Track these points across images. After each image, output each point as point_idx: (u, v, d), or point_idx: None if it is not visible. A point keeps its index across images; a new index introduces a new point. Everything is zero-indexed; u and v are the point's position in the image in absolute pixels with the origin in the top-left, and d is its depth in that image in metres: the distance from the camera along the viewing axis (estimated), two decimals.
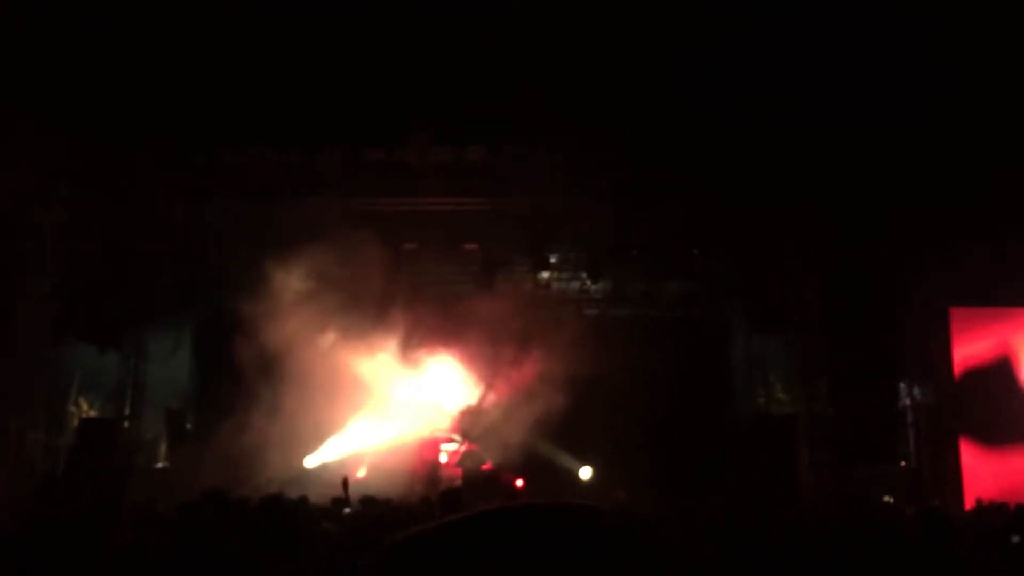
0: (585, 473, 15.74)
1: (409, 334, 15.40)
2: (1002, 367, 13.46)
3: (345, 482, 9.89)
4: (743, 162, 12.87)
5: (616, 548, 1.40)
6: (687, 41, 11.10)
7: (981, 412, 13.41)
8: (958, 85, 11.39)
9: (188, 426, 16.51)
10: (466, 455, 15.61)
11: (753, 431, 16.08)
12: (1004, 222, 12.31)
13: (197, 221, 14.40)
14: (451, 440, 15.96)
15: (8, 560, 5.08)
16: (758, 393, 16.66)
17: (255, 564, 4.54)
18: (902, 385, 14.29)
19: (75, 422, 14.67)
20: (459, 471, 15.23)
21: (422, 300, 15.70)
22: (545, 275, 16.37)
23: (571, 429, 15.31)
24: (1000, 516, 8.42)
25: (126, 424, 15.11)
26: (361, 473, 14.36)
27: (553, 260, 15.84)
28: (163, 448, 16.10)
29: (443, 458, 15.75)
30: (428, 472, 15.27)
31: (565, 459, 15.76)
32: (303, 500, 8.31)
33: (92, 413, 15.20)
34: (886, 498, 12.79)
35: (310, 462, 15.06)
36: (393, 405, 15.93)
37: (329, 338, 14.60)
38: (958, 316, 13.62)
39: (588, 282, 16.38)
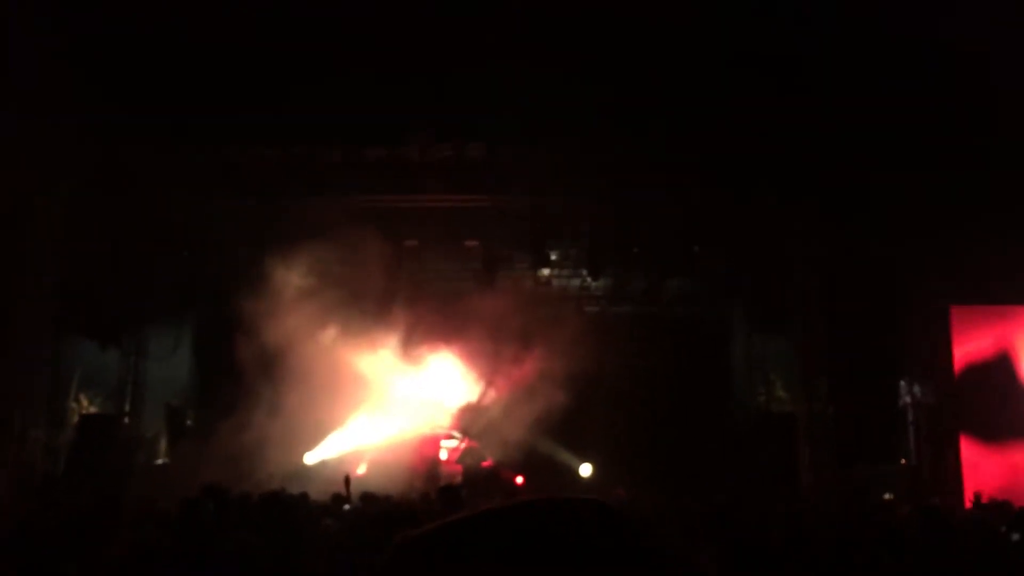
0: (585, 470, 15.73)
1: (409, 331, 15.39)
2: (1002, 364, 13.46)
3: (347, 479, 9.91)
4: (743, 161, 12.87)
5: (626, 545, 1.37)
6: (687, 40, 11.10)
7: (981, 409, 13.41)
8: (958, 84, 11.38)
9: (188, 423, 16.52)
10: (466, 452, 15.62)
11: (753, 430, 16.07)
12: (1004, 220, 12.31)
13: (197, 219, 14.40)
14: (451, 437, 15.96)
15: (9, 558, 5.08)
16: (758, 391, 16.64)
17: (255, 561, 4.55)
18: (902, 384, 14.27)
19: (75, 419, 14.69)
20: (459, 468, 15.23)
21: (423, 297, 15.69)
22: (546, 272, 16.37)
23: (571, 426, 15.30)
24: (1002, 514, 8.41)
25: (126, 421, 15.13)
26: (361, 470, 14.37)
27: (554, 257, 15.85)
28: (163, 445, 16.11)
29: (443, 455, 15.75)
30: (428, 469, 15.26)
31: (565, 456, 15.75)
32: (303, 497, 8.33)
33: (92, 410, 15.22)
34: (886, 496, 12.79)
35: (310, 459, 15.07)
36: (393, 402, 15.94)
37: (329, 335, 14.60)
38: (958, 314, 13.62)
39: (588, 279, 16.39)
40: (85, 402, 15.07)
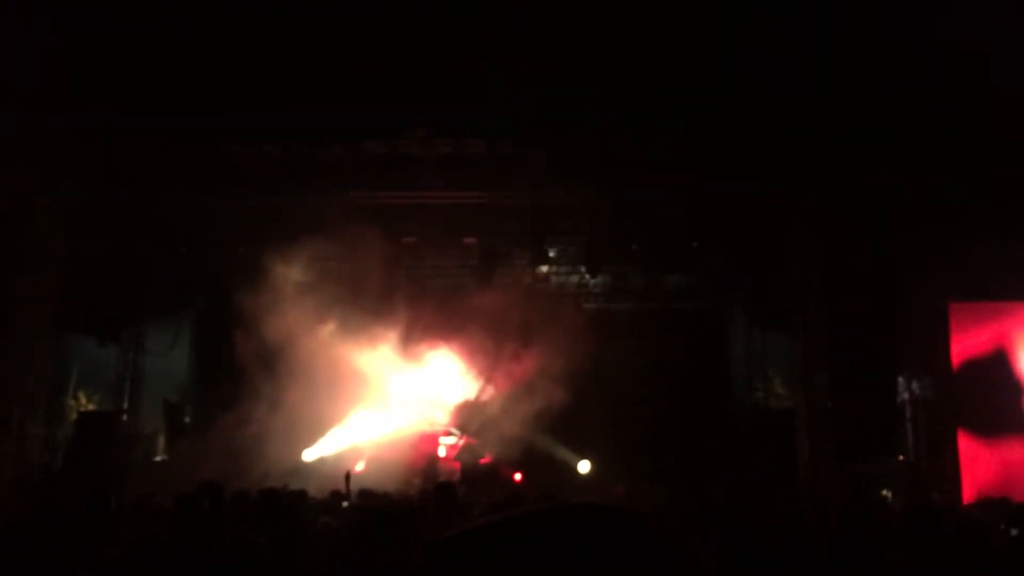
0: (584, 467, 15.75)
1: (408, 328, 15.39)
2: (999, 360, 13.47)
3: (347, 476, 9.92)
4: (743, 157, 12.86)
5: (642, 549, 1.47)
6: (687, 37, 11.09)
7: (979, 405, 13.41)
8: (957, 83, 11.38)
9: (186, 419, 16.53)
10: (465, 449, 15.63)
11: (752, 425, 16.10)
12: (1002, 219, 12.32)
13: (196, 215, 14.38)
14: (450, 434, 15.98)
15: (7, 554, 5.08)
16: (757, 387, 16.67)
17: (253, 558, 4.54)
18: (901, 380, 14.28)
19: (74, 416, 14.69)
20: (457, 465, 15.25)
21: (421, 293, 15.71)
22: (544, 269, 16.37)
23: (570, 423, 15.32)
24: (1001, 510, 8.41)
25: (125, 418, 15.13)
26: (359, 466, 14.38)
27: (552, 254, 15.83)
28: (162, 441, 16.12)
29: (442, 452, 15.77)
30: (426, 466, 15.28)
31: (564, 453, 15.78)
32: (302, 493, 8.33)
33: (91, 406, 15.23)
34: (885, 492, 12.81)
35: (309, 455, 15.08)
36: (392, 398, 15.96)
37: (328, 332, 14.60)
38: (957, 311, 13.63)
39: (587, 276, 16.38)
40: (84, 399, 15.08)
